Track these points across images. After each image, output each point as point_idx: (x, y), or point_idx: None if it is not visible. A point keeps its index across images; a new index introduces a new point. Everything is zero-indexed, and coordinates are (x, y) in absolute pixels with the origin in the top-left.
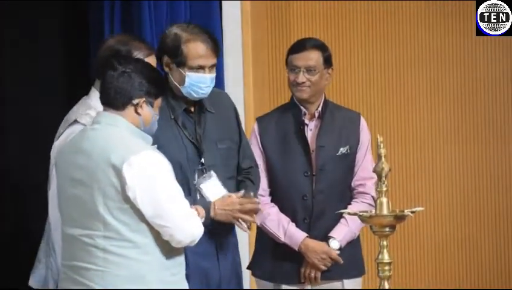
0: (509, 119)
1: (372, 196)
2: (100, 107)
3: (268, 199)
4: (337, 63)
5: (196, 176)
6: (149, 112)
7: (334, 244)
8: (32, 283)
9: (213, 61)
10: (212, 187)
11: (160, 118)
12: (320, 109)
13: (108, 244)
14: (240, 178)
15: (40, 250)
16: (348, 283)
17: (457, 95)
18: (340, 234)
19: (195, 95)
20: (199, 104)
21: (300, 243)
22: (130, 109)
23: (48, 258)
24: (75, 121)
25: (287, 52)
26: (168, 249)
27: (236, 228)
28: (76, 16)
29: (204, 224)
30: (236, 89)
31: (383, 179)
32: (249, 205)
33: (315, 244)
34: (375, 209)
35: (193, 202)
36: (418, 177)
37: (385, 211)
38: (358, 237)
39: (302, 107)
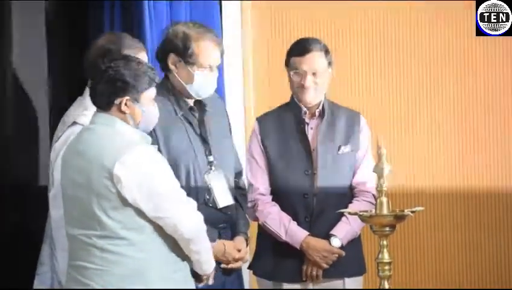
0: (510, 119)
1: (373, 194)
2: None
3: (269, 197)
4: (337, 63)
5: (205, 173)
6: (136, 108)
7: (336, 242)
8: (37, 285)
9: (220, 61)
10: (220, 185)
11: (166, 116)
12: (320, 108)
13: (105, 243)
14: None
15: (42, 253)
16: (349, 281)
17: (457, 95)
18: (342, 232)
19: (201, 94)
20: (199, 102)
21: (301, 241)
22: (114, 109)
23: (52, 260)
24: (74, 123)
25: (289, 53)
26: (169, 246)
27: None
28: (76, 16)
29: None
30: (236, 89)
31: (383, 178)
32: (237, 255)
33: (316, 242)
34: (375, 209)
35: (203, 200)
36: (418, 177)
37: (385, 211)
38: (359, 235)
39: (302, 106)
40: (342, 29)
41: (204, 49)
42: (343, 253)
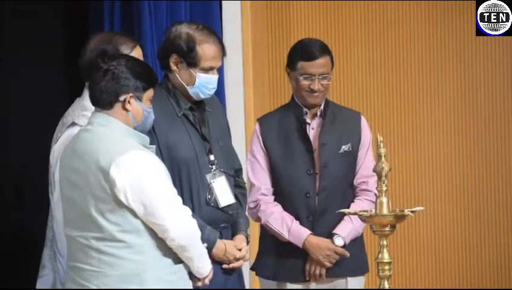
0: (510, 119)
1: (375, 193)
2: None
3: (272, 197)
4: (337, 63)
5: (206, 173)
6: (138, 106)
7: (339, 241)
8: (40, 288)
9: (220, 63)
10: (221, 185)
11: (166, 116)
12: (321, 107)
13: (102, 245)
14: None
15: (43, 256)
16: (351, 280)
17: (457, 95)
18: (344, 231)
19: (202, 96)
20: (199, 102)
21: (304, 240)
22: (118, 107)
23: (54, 262)
24: (73, 123)
25: (295, 57)
26: (166, 248)
27: None
28: (77, 16)
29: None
30: (236, 89)
31: (383, 178)
32: (238, 254)
33: (319, 241)
34: (375, 209)
35: (205, 200)
36: (418, 177)
37: (385, 211)
38: (362, 235)
39: (303, 107)
40: (342, 29)
41: (208, 52)
42: (347, 254)
